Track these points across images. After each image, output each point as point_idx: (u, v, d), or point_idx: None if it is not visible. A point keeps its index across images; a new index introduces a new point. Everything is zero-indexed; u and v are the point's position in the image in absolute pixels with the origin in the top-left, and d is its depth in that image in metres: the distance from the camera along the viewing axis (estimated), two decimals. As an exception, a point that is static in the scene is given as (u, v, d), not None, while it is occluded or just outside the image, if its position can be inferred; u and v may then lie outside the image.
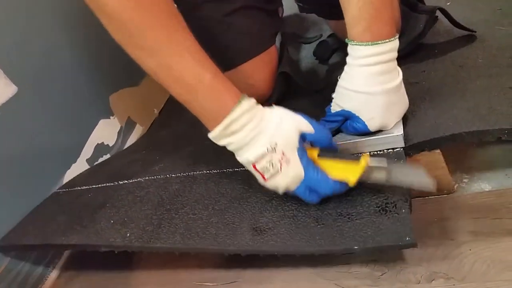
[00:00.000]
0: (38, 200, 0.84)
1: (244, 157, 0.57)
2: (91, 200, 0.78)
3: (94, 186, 0.82)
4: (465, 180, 0.65)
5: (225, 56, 0.86)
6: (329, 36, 1.04)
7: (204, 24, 0.84)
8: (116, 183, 0.80)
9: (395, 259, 0.57)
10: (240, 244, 0.55)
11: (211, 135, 0.58)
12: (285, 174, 0.56)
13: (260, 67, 0.87)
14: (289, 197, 0.60)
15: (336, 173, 0.56)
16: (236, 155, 0.58)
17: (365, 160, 0.55)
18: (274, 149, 0.55)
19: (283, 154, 0.55)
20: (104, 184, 0.81)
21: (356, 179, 0.55)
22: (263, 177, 0.57)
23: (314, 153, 0.57)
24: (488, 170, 0.65)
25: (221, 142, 0.58)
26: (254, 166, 0.56)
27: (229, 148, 0.58)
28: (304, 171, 0.55)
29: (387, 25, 0.61)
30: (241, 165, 0.71)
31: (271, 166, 0.56)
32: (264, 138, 0.55)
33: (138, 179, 0.79)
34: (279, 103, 0.88)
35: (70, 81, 0.96)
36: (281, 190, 0.58)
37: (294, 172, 0.56)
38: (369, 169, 0.55)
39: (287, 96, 0.91)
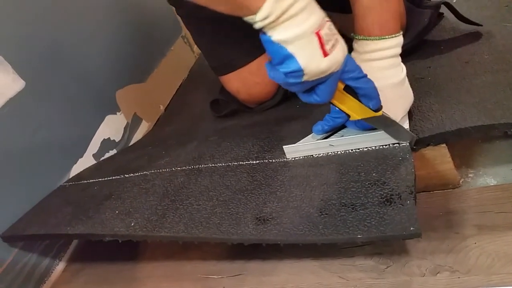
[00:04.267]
0: (45, 194, 0.85)
1: (307, 23, 0.48)
2: (97, 192, 0.78)
3: (100, 179, 0.83)
4: (470, 175, 0.65)
5: (231, 55, 0.87)
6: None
7: (209, 24, 0.84)
8: (122, 176, 0.81)
9: (399, 252, 0.57)
10: (243, 233, 0.55)
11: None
12: (341, 44, 0.52)
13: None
14: (293, 189, 0.60)
15: (345, 107, 0.59)
16: (289, 28, 0.48)
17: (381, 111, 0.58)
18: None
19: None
20: (110, 177, 0.82)
21: (360, 118, 0.59)
22: (324, 50, 0.50)
23: (340, 84, 0.57)
24: (493, 164, 0.65)
25: (285, 2, 0.47)
26: (318, 34, 0.49)
27: (292, 10, 0.48)
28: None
29: (394, 18, 0.61)
30: (246, 159, 0.71)
31: (331, 32, 0.50)
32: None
33: (144, 172, 0.79)
34: (284, 100, 0.89)
35: (77, 77, 0.97)
36: (334, 67, 0.51)
37: (344, 45, 0.53)
38: (379, 117, 0.58)
39: (292, 93, 0.91)
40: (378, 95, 0.57)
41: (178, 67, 1.39)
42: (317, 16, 0.49)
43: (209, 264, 0.69)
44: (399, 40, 0.62)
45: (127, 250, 0.79)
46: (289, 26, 0.48)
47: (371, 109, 0.57)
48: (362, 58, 0.62)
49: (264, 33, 0.50)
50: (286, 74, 0.51)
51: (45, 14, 0.92)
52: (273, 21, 0.48)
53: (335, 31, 0.52)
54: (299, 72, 0.50)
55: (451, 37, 0.84)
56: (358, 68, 0.55)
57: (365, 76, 0.56)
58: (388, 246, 0.59)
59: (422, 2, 0.83)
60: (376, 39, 0.60)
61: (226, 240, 0.57)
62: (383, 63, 0.62)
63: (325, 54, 0.50)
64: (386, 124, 0.60)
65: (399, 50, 0.62)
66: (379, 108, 0.57)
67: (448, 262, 0.54)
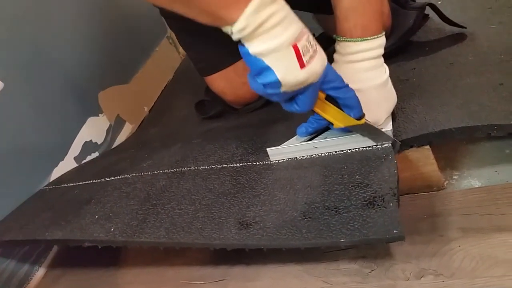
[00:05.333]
0: (25, 198, 0.83)
1: (284, 36, 0.48)
2: (77, 196, 0.77)
3: (80, 183, 0.81)
4: (455, 177, 0.65)
5: (216, 55, 0.86)
6: (319, 35, 1.03)
7: (193, 24, 0.83)
8: (103, 179, 0.79)
9: (384, 256, 0.57)
10: (226, 238, 0.54)
11: (249, 9, 0.46)
12: (320, 55, 0.52)
13: None
14: (277, 192, 0.60)
15: (328, 116, 0.59)
16: (265, 41, 0.48)
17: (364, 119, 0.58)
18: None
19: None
20: (91, 181, 0.81)
21: (343, 126, 0.59)
22: (301, 62, 0.49)
23: (322, 94, 0.56)
24: (477, 166, 0.65)
25: (261, 15, 0.46)
26: (296, 46, 0.48)
27: (269, 23, 0.47)
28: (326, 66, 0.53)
29: (376, 20, 0.61)
30: (229, 161, 0.70)
31: (309, 44, 0.50)
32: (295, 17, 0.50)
33: (125, 175, 0.78)
34: (269, 102, 0.88)
35: (58, 78, 0.96)
36: (313, 78, 0.51)
37: (324, 57, 0.52)
38: (362, 125, 0.58)
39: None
40: (360, 104, 0.57)
41: (163, 68, 1.37)
42: (294, 28, 0.49)
43: (191, 269, 0.68)
44: (381, 41, 0.61)
45: (109, 256, 0.77)
46: (265, 39, 0.48)
47: (353, 118, 0.57)
48: (344, 60, 0.62)
49: (242, 45, 0.50)
50: (264, 85, 0.51)
51: (25, 14, 0.90)
52: (249, 34, 0.48)
53: (314, 42, 0.52)
54: (277, 83, 0.50)
55: (436, 39, 0.84)
56: (339, 78, 0.55)
57: (346, 86, 0.56)
58: (372, 249, 0.58)
59: (407, 3, 0.83)
60: (359, 41, 0.60)
61: (209, 245, 0.56)
62: (366, 64, 0.61)
63: (303, 65, 0.50)
64: (369, 131, 0.60)
65: (381, 51, 0.62)
66: (361, 117, 0.57)
67: (432, 266, 0.53)
